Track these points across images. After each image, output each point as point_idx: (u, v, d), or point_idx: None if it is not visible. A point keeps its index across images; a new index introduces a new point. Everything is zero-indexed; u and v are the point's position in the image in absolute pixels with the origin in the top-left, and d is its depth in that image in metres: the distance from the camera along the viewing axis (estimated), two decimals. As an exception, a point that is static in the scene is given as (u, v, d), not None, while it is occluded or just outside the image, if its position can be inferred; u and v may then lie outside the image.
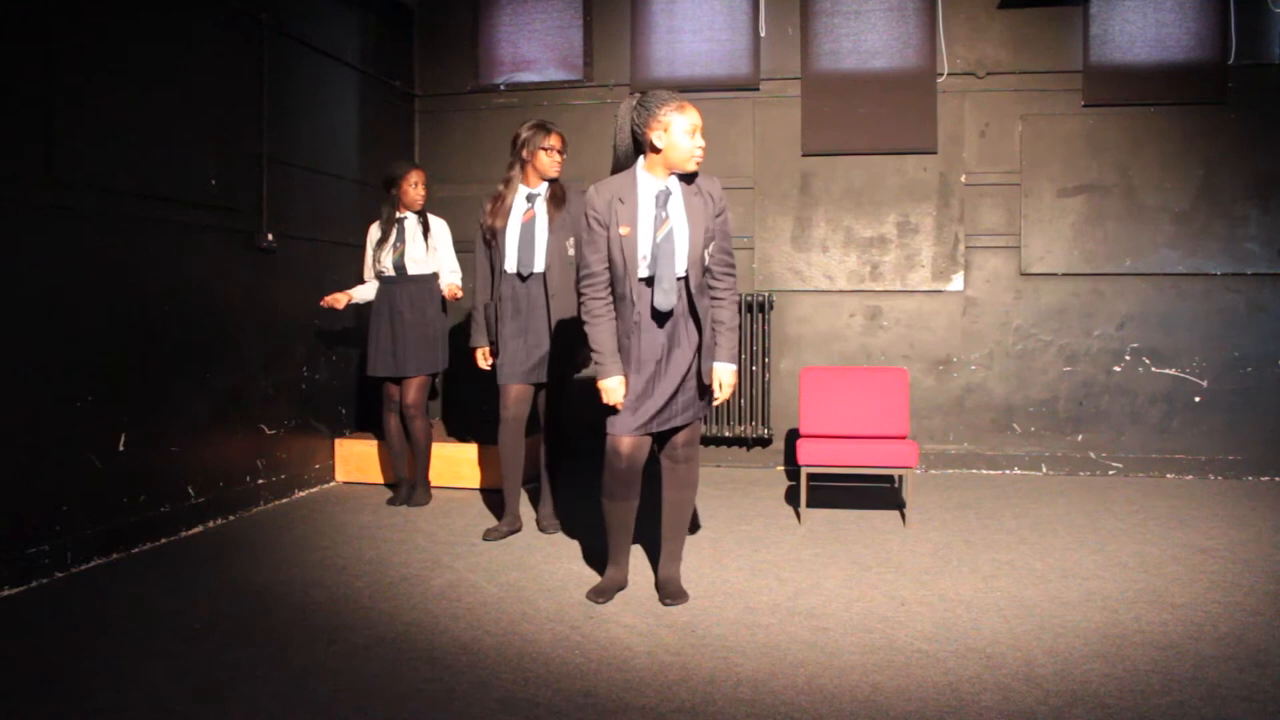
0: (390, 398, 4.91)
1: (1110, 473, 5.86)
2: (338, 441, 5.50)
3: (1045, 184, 5.86)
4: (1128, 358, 5.85)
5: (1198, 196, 5.76)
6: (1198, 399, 5.82)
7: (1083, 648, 2.87)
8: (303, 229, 5.18)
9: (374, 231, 4.90)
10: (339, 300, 4.87)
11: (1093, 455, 5.86)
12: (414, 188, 4.80)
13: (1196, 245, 5.79)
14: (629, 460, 3.18)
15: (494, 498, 4.93)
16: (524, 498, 4.79)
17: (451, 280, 4.93)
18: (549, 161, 4.13)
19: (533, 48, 6.23)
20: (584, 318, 3.20)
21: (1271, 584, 3.52)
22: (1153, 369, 5.85)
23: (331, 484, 5.38)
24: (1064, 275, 5.87)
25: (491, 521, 4.44)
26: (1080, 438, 5.88)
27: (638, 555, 3.82)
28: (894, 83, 5.90)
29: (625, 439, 3.16)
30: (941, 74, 5.91)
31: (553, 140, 4.13)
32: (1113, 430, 5.87)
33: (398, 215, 4.78)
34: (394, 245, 4.78)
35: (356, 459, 5.48)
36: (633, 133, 3.12)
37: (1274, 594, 3.40)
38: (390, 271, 4.79)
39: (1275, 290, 5.74)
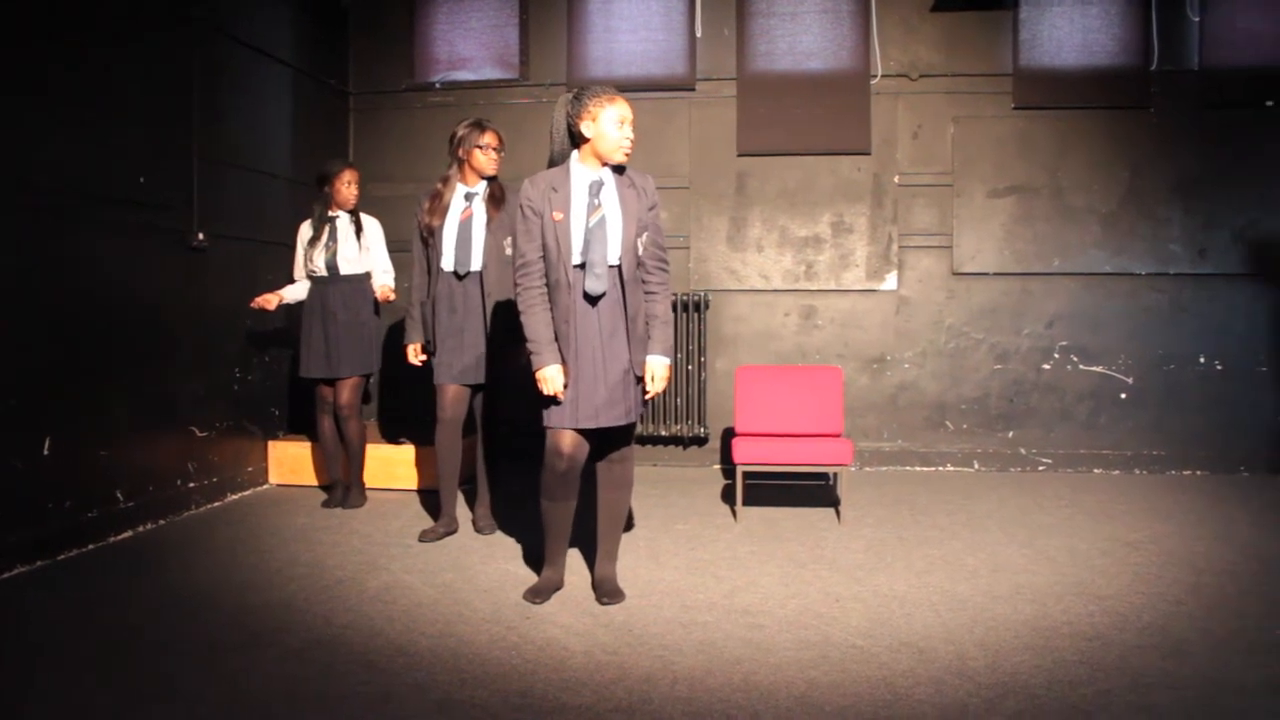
0: (324, 399, 5.07)
1: (1040, 468, 6.27)
2: (271, 443, 5.66)
3: (977, 185, 6.26)
4: (1056, 356, 6.27)
5: (1123, 198, 6.19)
6: (1124, 396, 6.25)
7: (1013, 640, 3.04)
8: (235, 228, 5.33)
9: (305, 230, 4.97)
10: (269, 301, 5.01)
11: (1023, 451, 6.26)
12: (347, 186, 4.97)
13: (1122, 246, 6.22)
14: (570, 460, 3.27)
15: (430, 499, 5.08)
16: (460, 499, 5.00)
17: (385, 281, 5.09)
18: (486, 160, 4.27)
19: (469, 46, 6.47)
20: (519, 307, 3.29)
21: (1193, 575, 3.77)
22: (1081, 367, 6.27)
23: (265, 487, 5.48)
24: (995, 275, 6.26)
25: (427, 523, 4.56)
26: (1011, 434, 6.29)
27: (574, 555, 3.93)
28: (828, 84, 6.26)
29: (567, 437, 3.25)
30: (875, 76, 6.27)
31: (489, 138, 4.27)
32: (1042, 427, 6.28)
33: (330, 214, 4.89)
34: (326, 244, 4.94)
35: (290, 461, 5.63)
36: (568, 126, 3.28)
37: (1195, 585, 3.64)
38: (322, 271, 4.95)
39: (1197, 290, 6.19)
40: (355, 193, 5.00)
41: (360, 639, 3.05)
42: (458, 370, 4.26)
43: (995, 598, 3.49)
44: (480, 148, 4.27)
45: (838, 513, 4.81)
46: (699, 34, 6.30)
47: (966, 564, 3.97)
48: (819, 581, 3.71)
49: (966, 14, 6.20)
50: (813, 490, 5.42)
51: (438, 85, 6.49)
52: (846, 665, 2.84)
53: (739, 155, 6.30)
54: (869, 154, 6.24)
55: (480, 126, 4.29)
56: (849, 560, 4.02)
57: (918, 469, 6.27)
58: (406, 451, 5.54)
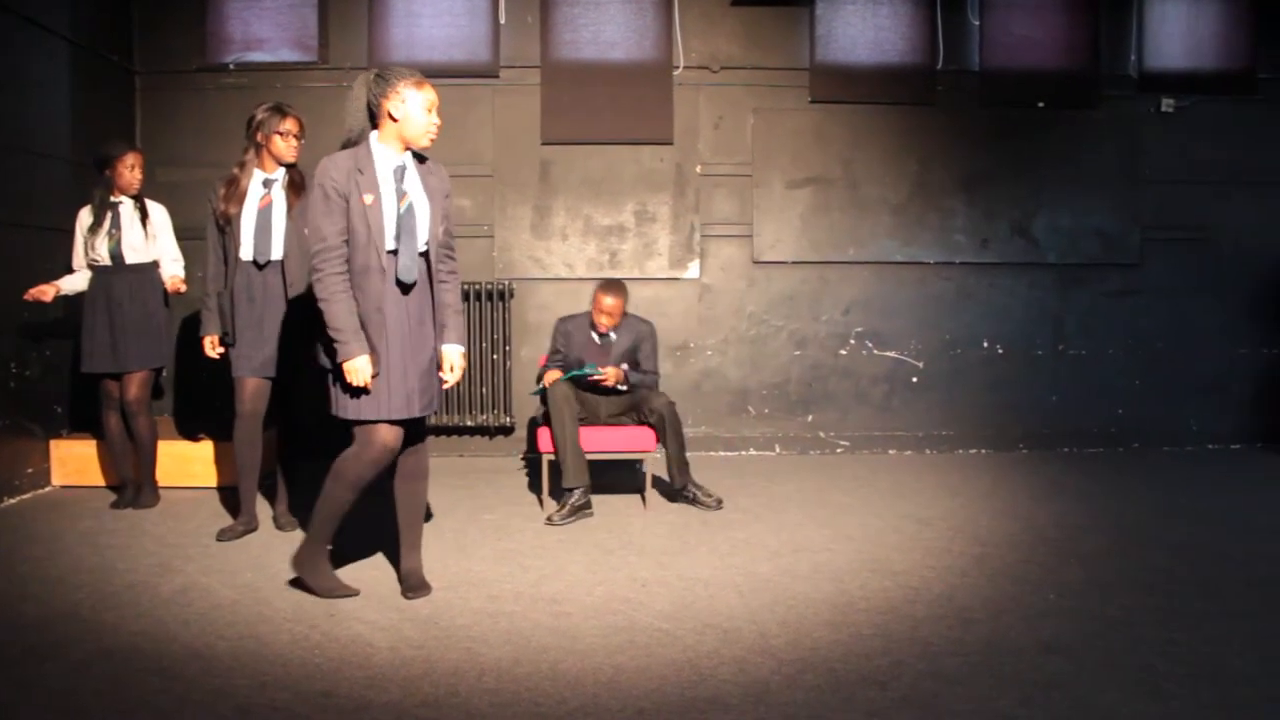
0: (110, 395, 5.02)
1: (838, 450, 6.80)
2: (53, 442, 5.56)
3: (775, 175, 6.72)
4: (852, 341, 6.80)
5: (913, 190, 6.75)
6: (915, 379, 6.84)
7: (813, 617, 3.26)
8: (7, 213, 5.24)
9: (85, 216, 4.86)
10: (46, 293, 4.93)
11: (822, 434, 6.78)
12: (130, 170, 4.91)
13: (912, 236, 6.79)
14: (392, 452, 3.28)
15: (229, 496, 5.04)
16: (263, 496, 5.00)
17: (175, 270, 5.06)
18: (285, 147, 4.24)
19: (264, 26, 6.50)
20: (321, 294, 3.20)
21: (978, 548, 4.17)
22: (875, 352, 6.82)
23: (47, 489, 5.37)
24: (793, 263, 6.74)
25: (225, 521, 4.55)
26: (810, 418, 6.80)
27: (375, 549, 4.05)
28: (632, 74, 6.60)
29: (386, 430, 3.25)
30: (678, 67, 6.64)
31: (290, 124, 4.25)
32: (840, 410, 6.81)
33: (112, 199, 4.80)
34: (109, 232, 4.88)
35: (75, 461, 5.53)
36: (369, 106, 3.27)
37: (980, 556, 4.03)
38: (106, 260, 4.90)
39: (980, 278, 6.81)
40: (139, 177, 4.95)
41: (153, 646, 3.00)
42: (258, 363, 4.24)
43: (796, 577, 3.74)
44: (280, 134, 4.24)
45: (643, 499, 5.05)
46: (503, 21, 6.53)
47: (768, 545, 4.22)
48: (625, 567, 3.88)
49: (765, 9, 6.62)
50: (619, 477, 5.53)
51: (231, 66, 6.51)
52: (652, 649, 2.98)
53: (543, 144, 6.56)
54: (671, 144, 6.60)
55: (281, 111, 4.26)
56: (654, 545, 4.22)
57: (721, 454, 6.70)
58: (204, 448, 5.54)
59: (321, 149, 6.16)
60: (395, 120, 3.26)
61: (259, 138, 4.31)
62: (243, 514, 4.42)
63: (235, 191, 4.31)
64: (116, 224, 4.89)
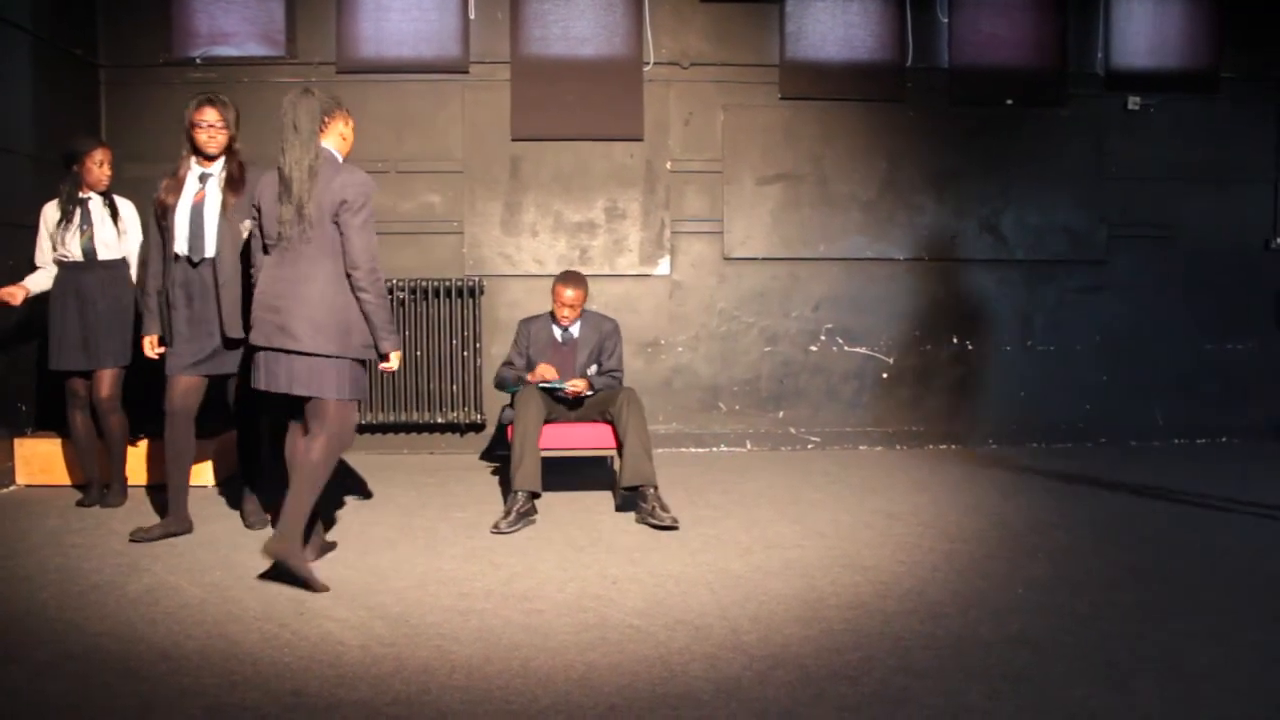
0: (76, 393, 4.98)
1: (809, 446, 6.82)
2: (18, 441, 5.50)
3: (746, 172, 6.73)
4: (823, 338, 6.83)
5: (882, 187, 6.79)
6: (885, 375, 6.88)
7: (784, 613, 3.26)
8: None
9: (51, 212, 4.82)
10: (14, 295, 4.86)
11: (793, 430, 6.81)
12: (99, 166, 4.87)
13: (882, 232, 6.82)
14: None
15: (197, 493, 4.92)
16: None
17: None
18: (204, 138, 4.13)
19: (231, 20, 6.44)
20: (382, 293, 3.65)
21: (947, 543, 4.19)
22: (845, 348, 6.85)
23: (11, 488, 5.32)
24: (764, 260, 6.76)
25: (203, 518, 4.52)
26: (781, 414, 6.82)
27: (344, 548, 4.09)
28: (602, 70, 6.59)
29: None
30: (648, 63, 6.63)
31: (207, 114, 4.13)
32: (811, 406, 6.84)
33: (81, 195, 4.78)
34: (80, 228, 4.84)
35: (40, 460, 5.47)
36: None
37: (949, 552, 4.04)
38: (77, 256, 4.85)
39: (949, 274, 6.86)
40: (108, 173, 4.91)
41: (119, 646, 2.97)
42: (190, 361, 4.18)
43: (767, 573, 3.75)
44: (197, 125, 4.14)
45: (615, 496, 5.00)
46: (472, 16, 6.50)
47: (740, 541, 4.23)
48: (596, 564, 3.87)
49: (736, 6, 6.64)
50: (590, 474, 5.59)
51: (198, 61, 6.44)
52: (624, 646, 2.97)
53: (513, 140, 6.53)
54: (642, 140, 6.60)
55: (199, 101, 4.15)
56: (626, 542, 4.22)
57: (692, 450, 6.71)
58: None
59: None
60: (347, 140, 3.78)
61: (186, 129, 4.22)
62: (170, 515, 4.29)
63: (173, 184, 4.24)
64: (88, 220, 4.85)
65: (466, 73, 6.49)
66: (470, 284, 6.38)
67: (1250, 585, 3.72)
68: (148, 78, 6.43)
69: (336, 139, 3.74)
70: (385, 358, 3.70)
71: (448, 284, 6.31)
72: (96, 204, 4.90)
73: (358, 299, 3.60)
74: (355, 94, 6.36)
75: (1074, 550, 4.22)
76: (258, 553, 3.84)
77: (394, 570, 3.81)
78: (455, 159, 6.47)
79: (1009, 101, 6.73)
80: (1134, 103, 6.82)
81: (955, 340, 6.80)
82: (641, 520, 4.62)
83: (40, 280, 4.98)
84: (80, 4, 6.26)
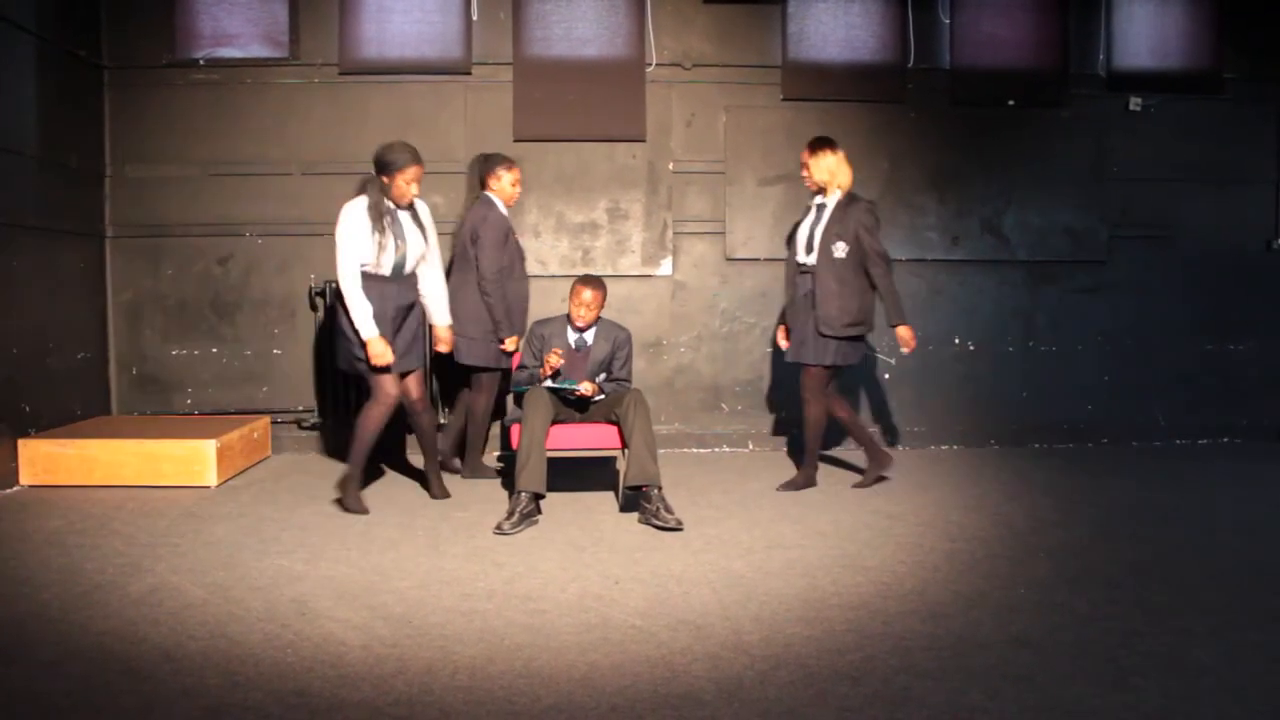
0: (391, 394, 4.82)
1: (811, 447, 6.82)
2: (21, 442, 5.46)
3: (748, 173, 6.74)
4: (825, 338, 6.82)
5: (884, 188, 6.79)
6: (887, 376, 6.88)
7: (786, 613, 3.26)
8: None
9: (364, 218, 4.64)
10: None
11: (795, 431, 6.81)
12: (408, 185, 4.68)
13: (883, 233, 6.75)
14: None
15: (201, 495, 5.10)
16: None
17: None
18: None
19: (234, 22, 6.44)
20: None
21: (948, 543, 4.18)
22: (847, 348, 6.84)
23: (15, 489, 5.27)
24: (765, 260, 6.76)
25: (198, 520, 4.53)
26: (783, 414, 6.83)
27: (346, 547, 4.13)
28: (604, 71, 6.60)
29: None
30: (650, 64, 6.64)
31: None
32: (812, 407, 6.83)
33: (388, 205, 4.67)
34: (395, 244, 4.70)
35: (43, 460, 5.42)
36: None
37: (951, 552, 4.04)
38: (385, 272, 4.72)
39: (950, 274, 6.87)
40: (415, 193, 4.80)
41: (122, 646, 2.97)
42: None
43: (769, 573, 3.74)
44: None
45: (617, 496, 5.03)
46: (475, 17, 6.51)
47: (741, 541, 4.23)
48: (598, 564, 3.86)
49: (738, 7, 6.64)
50: (592, 474, 5.58)
51: (201, 62, 6.45)
52: (626, 646, 2.97)
53: (515, 141, 6.53)
54: (644, 141, 6.61)
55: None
56: (628, 542, 4.22)
57: (694, 450, 6.72)
58: (174, 446, 5.47)
59: (291, 144, 6.23)
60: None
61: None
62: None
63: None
64: (401, 236, 4.75)
65: (469, 74, 6.50)
66: (473, 284, 6.35)
67: (1250, 585, 3.72)
68: (151, 79, 6.43)
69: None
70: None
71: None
72: (405, 217, 4.80)
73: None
74: (357, 95, 6.40)
75: (1075, 550, 4.23)
76: (259, 553, 3.92)
77: (397, 570, 3.81)
78: (458, 160, 6.48)
79: (1010, 102, 6.74)
80: (1135, 103, 6.82)
81: (957, 340, 6.80)
82: (645, 521, 4.63)
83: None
84: (84, 6, 6.27)
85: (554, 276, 6.56)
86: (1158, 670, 2.89)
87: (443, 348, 5.20)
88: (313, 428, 6.50)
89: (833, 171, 5.20)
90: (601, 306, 5.13)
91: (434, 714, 2.59)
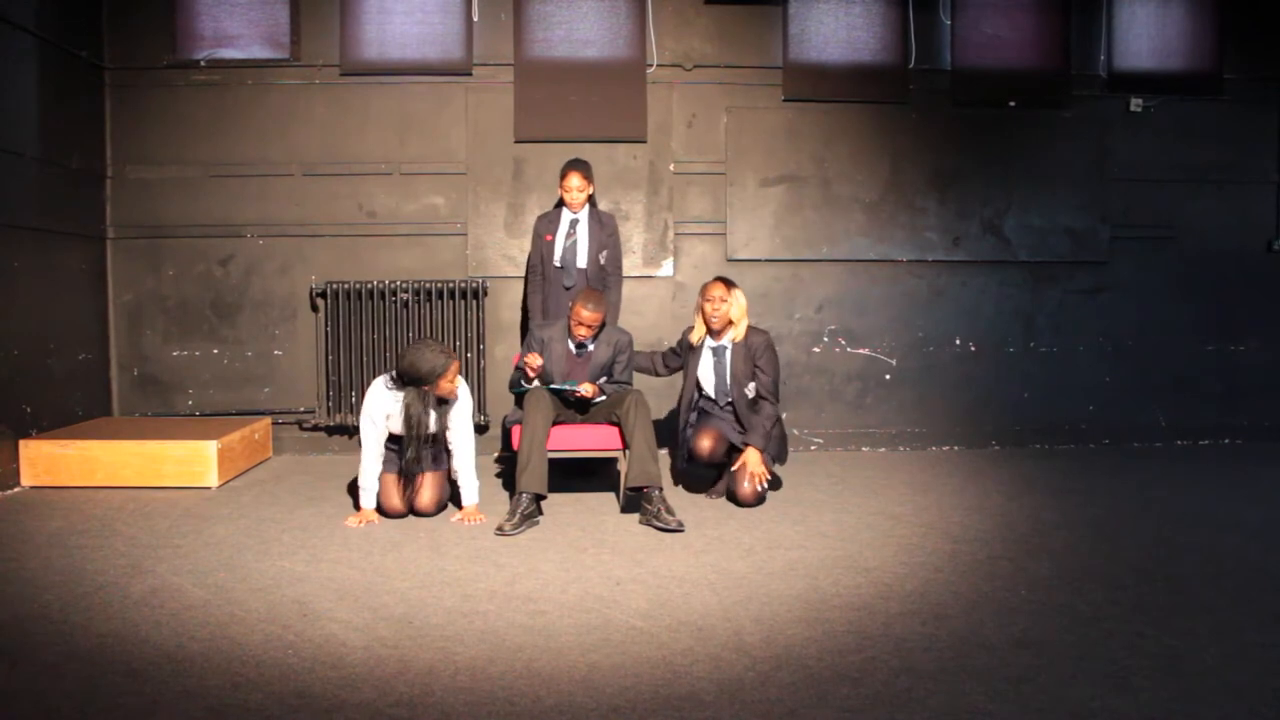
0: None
1: (813, 447, 6.83)
2: (22, 443, 5.46)
3: (749, 174, 6.74)
4: (825, 339, 6.84)
5: (885, 189, 6.80)
6: (888, 376, 6.88)
7: (786, 614, 3.26)
8: None
9: (394, 407, 4.60)
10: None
11: (796, 431, 6.81)
12: (449, 383, 4.55)
13: (884, 234, 6.83)
14: None
15: (197, 497, 5.10)
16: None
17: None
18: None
19: (235, 23, 6.45)
20: None
21: (950, 545, 4.19)
22: (848, 349, 6.86)
23: (16, 490, 5.28)
24: (767, 261, 6.77)
25: (196, 521, 4.55)
26: (785, 415, 6.81)
27: (351, 549, 4.15)
28: (605, 72, 6.60)
29: None
30: (651, 65, 6.65)
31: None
32: (814, 407, 6.85)
33: (430, 401, 4.58)
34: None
35: (45, 461, 5.42)
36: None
37: (952, 553, 4.04)
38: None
39: (951, 276, 6.87)
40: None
41: (124, 647, 2.98)
42: None
43: (770, 574, 3.75)
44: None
45: (618, 496, 5.03)
46: (476, 18, 6.51)
47: (742, 542, 4.23)
48: (600, 565, 3.87)
49: (739, 8, 6.64)
50: (593, 475, 5.58)
51: (202, 63, 6.45)
52: (627, 647, 2.97)
53: (516, 141, 6.54)
54: (645, 142, 6.61)
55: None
56: (629, 543, 4.22)
57: (695, 451, 6.69)
58: (175, 447, 5.48)
59: (292, 145, 6.23)
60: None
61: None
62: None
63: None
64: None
65: (470, 75, 6.50)
66: (473, 286, 6.39)
67: (1251, 585, 3.73)
68: (152, 80, 6.43)
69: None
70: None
71: (451, 286, 6.33)
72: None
73: None
74: (358, 96, 6.40)
75: (1076, 551, 4.22)
76: (260, 554, 3.92)
77: (398, 571, 3.81)
78: (458, 161, 6.49)
79: (1011, 103, 6.74)
80: (1136, 104, 6.82)
81: (958, 341, 6.80)
82: (646, 522, 4.62)
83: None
84: (84, 6, 6.26)
85: (555, 277, 6.52)
86: (1160, 671, 2.89)
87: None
88: (314, 428, 6.49)
89: (743, 310, 5.10)
90: (602, 325, 5.09)
91: (435, 715, 2.58)
